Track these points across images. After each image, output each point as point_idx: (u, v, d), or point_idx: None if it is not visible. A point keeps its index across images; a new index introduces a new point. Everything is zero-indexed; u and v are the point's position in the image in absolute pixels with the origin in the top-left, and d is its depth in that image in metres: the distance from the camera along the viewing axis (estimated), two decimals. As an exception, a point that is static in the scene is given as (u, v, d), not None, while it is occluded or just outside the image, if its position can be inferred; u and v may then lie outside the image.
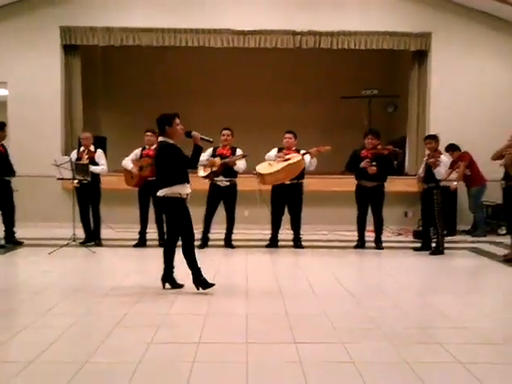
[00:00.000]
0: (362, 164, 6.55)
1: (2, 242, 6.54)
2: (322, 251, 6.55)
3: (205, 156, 6.20)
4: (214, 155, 6.51)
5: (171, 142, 4.33)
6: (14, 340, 3.15)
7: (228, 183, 6.54)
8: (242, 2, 8.38)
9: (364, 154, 6.65)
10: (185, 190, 4.31)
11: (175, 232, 4.40)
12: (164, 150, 4.33)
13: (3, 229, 6.62)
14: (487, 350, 3.08)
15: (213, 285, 4.30)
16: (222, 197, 6.57)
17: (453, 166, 7.78)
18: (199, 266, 4.30)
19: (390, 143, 8.74)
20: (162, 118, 4.36)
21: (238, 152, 6.52)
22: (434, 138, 6.40)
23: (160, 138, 4.40)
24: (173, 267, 4.42)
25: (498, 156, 6.22)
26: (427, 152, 6.53)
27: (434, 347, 3.10)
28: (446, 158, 6.31)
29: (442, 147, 6.72)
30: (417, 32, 8.39)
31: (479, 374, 2.68)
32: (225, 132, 6.60)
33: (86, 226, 6.76)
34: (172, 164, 4.27)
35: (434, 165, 6.16)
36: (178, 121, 4.38)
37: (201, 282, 4.29)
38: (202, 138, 4.49)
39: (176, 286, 4.41)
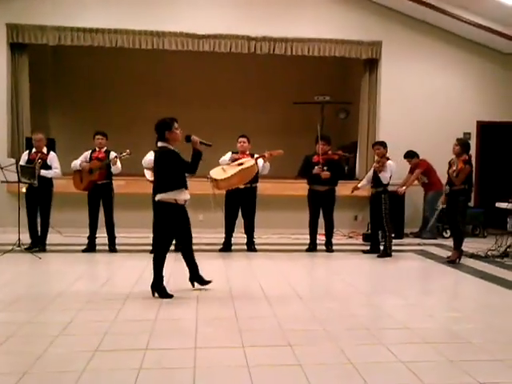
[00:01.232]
0: (315, 171, 6.67)
1: None
2: (274, 254, 6.61)
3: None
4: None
5: (171, 147, 4.29)
6: (-51, 351, 3.00)
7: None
8: (198, 5, 8.36)
9: (316, 160, 6.78)
10: (181, 195, 4.29)
11: (167, 237, 4.38)
12: (163, 156, 4.30)
13: None
14: (428, 349, 3.20)
15: (171, 296, 4.27)
16: None
17: (411, 173, 8.07)
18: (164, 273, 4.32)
19: (342, 148, 8.95)
20: (161, 123, 4.30)
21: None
22: (382, 144, 6.62)
23: (159, 144, 4.33)
24: (196, 266, 4.51)
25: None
26: (376, 158, 6.74)
27: (377, 348, 3.19)
28: (392, 163, 6.52)
29: (398, 154, 6.94)
30: (368, 40, 8.64)
31: (420, 372, 2.78)
32: (241, 139, 6.65)
33: (33, 232, 6.52)
34: (170, 170, 4.27)
35: (379, 170, 6.37)
36: (176, 125, 4.33)
37: (159, 290, 4.29)
38: (201, 143, 4.40)
39: (204, 282, 4.53)
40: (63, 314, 3.73)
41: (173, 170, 4.28)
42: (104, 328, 3.41)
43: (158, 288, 4.30)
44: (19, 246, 6.12)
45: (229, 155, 6.65)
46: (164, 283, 4.35)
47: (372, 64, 8.86)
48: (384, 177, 6.43)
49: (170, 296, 4.27)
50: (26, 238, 6.37)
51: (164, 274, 4.34)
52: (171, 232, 4.39)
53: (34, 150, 6.55)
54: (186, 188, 4.35)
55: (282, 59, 9.02)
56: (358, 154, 8.95)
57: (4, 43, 8.03)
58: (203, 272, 4.62)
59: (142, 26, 8.21)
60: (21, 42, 8.12)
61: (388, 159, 6.49)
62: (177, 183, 4.29)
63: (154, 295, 4.31)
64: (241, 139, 6.72)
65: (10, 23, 8.00)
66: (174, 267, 4.81)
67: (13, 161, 6.13)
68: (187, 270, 4.56)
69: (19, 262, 5.80)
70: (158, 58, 9.37)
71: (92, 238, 6.53)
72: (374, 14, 8.69)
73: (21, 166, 6.10)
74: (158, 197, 4.28)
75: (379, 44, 8.67)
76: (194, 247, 4.56)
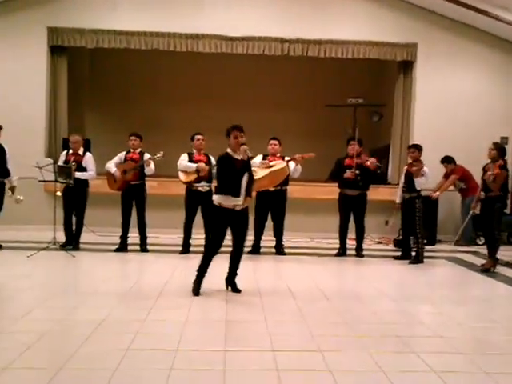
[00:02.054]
0: (347, 174, 6.60)
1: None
2: (303, 258, 6.58)
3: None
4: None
5: (229, 153, 4.45)
6: (-12, 345, 3.11)
7: (208, 188, 6.49)
8: (232, 8, 8.44)
9: (347, 163, 6.71)
10: (227, 201, 4.40)
11: (213, 237, 4.56)
12: (218, 159, 4.56)
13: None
14: (462, 359, 3.12)
15: (196, 293, 4.42)
16: (201, 202, 6.52)
17: (446, 178, 7.91)
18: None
19: (375, 151, 8.86)
20: (227, 129, 4.51)
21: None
22: (417, 148, 6.49)
23: None
24: (236, 271, 4.63)
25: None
26: (409, 161, 6.62)
27: (409, 356, 3.14)
28: (426, 169, 6.38)
29: (432, 158, 6.79)
30: (403, 42, 8.51)
31: (453, 383, 2.72)
32: (272, 142, 6.68)
33: (68, 230, 6.68)
34: (219, 174, 4.52)
35: (417, 174, 6.21)
36: (235, 133, 4.43)
37: (195, 286, 4.46)
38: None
39: (236, 289, 4.61)
40: (96, 311, 3.81)
41: (220, 175, 4.51)
42: (135, 327, 3.47)
43: (195, 283, 4.47)
44: (54, 243, 6.29)
45: (259, 158, 6.65)
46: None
47: (407, 66, 8.73)
48: (420, 182, 6.29)
49: (196, 292, 4.42)
50: (61, 236, 6.55)
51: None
52: (215, 233, 4.51)
53: (70, 151, 6.72)
54: (235, 195, 4.38)
55: (315, 61, 8.98)
56: (390, 158, 8.81)
57: (45, 46, 8.29)
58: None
59: (176, 29, 8.33)
60: (60, 45, 8.36)
61: (422, 163, 6.34)
62: (223, 189, 4.43)
63: (227, 288, 4.58)
64: (272, 141, 6.72)
65: (51, 27, 8.25)
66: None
67: (50, 161, 6.30)
68: (215, 270, 4.60)
69: (54, 259, 5.95)
70: (192, 59, 9.49)
71: (124, 237, 6.64)
72: (409, 16, 8.56)
73: (58, 166, 6.27)
74: (213, 197, 4.53)
75: (414, 46, 8.54)
76: (223, 248, 4.60)
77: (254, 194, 6.60)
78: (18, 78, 8.24)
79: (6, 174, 6.57)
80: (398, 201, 6.71)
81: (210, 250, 4.54)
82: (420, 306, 4.43)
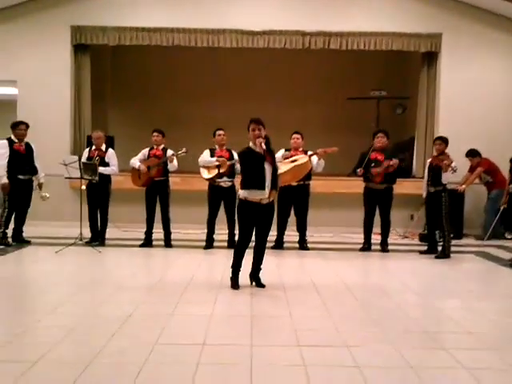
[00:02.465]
0: (373, 171, 6.48)
1: (9, 240, 6.58)
2: (327, 253, 6.54)
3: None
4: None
5: (250, 145, 4.47)
6: (19, 339, 3.17)
7: (230, 184, 6.54)
8: (252, 2, 8.41)
9: (373, 157, 6.62)
10: (252, 195, 4.41)
11: (240, 231, 4.59)
12: (239, 153, 4.63)
13: (12, 227, 6.66)
14: (492, 355, 3.06)
15: (235, 287, 4.50)
16: (223, 198, 6.56)
17: (472, 171, 7.76)
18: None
19: (398, 145, 8.73)
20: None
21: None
22: (444, 140, 6.36)
23: None
24: (260, 265, 4.64)
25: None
26: (434, 153, 6.49)
27: (438, 352, 3.09)
28: (455, 164, 6.23)
29: (457, 151, 6.64)
30: (427, 33, 8.34)
31: (485, 380, 2.67)
32: (294, 136, 6.62)
33: (93, 226, 6.78)
34: (242, 168, 4.61)
35: (446, 168, 6.08)
36: (253, 126, 4.44)
37: (232, 282, 4.54)
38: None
39: (260, 284, 4.61)
40: (123, 306, 3.85)
41: (243, 169, 4.57)
42: (162, 322, 3.50)
43: (232, 277, 4.56)
44: (81, 239, 6.39)
45: (281, 152, 6.62)
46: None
47: (431, 57, 8.56)
48: (448, 176, 6.15)
49: (235, 287, 4.48)
50: (87, 232, 6.65)
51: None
52: (243, 228, 4.54)
53: (93, 147, 6.81)
54: (260, 188, 4.38)
55: (337, 54, 8.88)
56: (415, 151, 8.67)
57: (68, 45, 8.39)
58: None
59: (197, 25, 8.33)
60: (83, 43, 8.45)
61: (449, 157, 6.20)
62: (247, 182, 4.44)
63: (251, 283, 4.60)
64: (294, 135, 6.68)
65: (74, 25, 8.35)
66: (227, 264, 4.83)
67: (75, 158, 6.39)
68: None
69: (81, 254, 6.05)
70: (212, 55, 9.50)
71: (149, 233, 6.71)
72: (433, 5, 8.38)
73: (83, 162, 6.35)
74: (239, 192, 4.58)
75: (439, 36, 8.36)
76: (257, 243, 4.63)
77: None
78: (43, 77, 8.37)
79: (34, 171, 6.71)
80: (424, 194, 6.60)
81: (240, 246, 4.57)
82: (448, 301, 4.35)
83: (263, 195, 4.41)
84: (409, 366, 2.84)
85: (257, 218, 4.50)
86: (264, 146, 4.39)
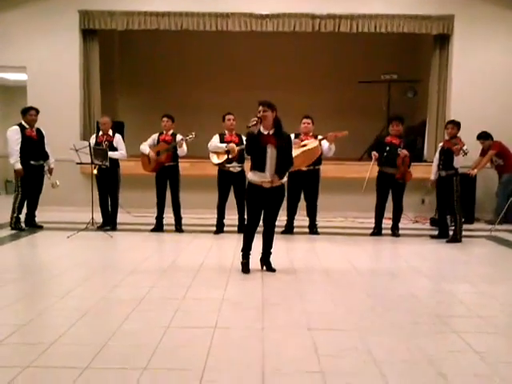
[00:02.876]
0: (403, 153, 6.41)
1: (22, 225, 6.66)
2: (337, 238, 6.54)
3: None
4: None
5: (260, 129, 4.45)
6: (34, 322, 3.22)
7: (240, 169, 6.54)
8: (261, -15, 8.28)
9: (388, 141, 6.57)
10: (254, 177, 4.46)
11: (248, 213, 4.62)
12: (246, 135, 4.69)
13: (25, 212, 6.73)
14: (503, 339, 3.07)
15: (246, 271, 4.56)
16: (233, 183, 6.57)
17: (483, 155, 7.68)
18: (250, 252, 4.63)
19: (409, 128, 8.65)
20: None
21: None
22: (456, 124, 6.29)
23: None
24: (269, 250, 4.66)
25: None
26: (446, 137, 6.43)
27: (449, 336, 3.10)
28: (466, 147, 6.16)
29: (470, 135, 6.56)
30: (439, 15, 8.19)
31: (496, 364, 2.67)
32: (305, 120, 6.56)
33: (104, 211, 6.83)
34: (245, 149, 4.68)
35: (458, 152, 6.00)
36: (259, 108, 4.43)
37: (243, 266, 4.59)
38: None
39: (271, 268, 4.63)
40: (135, 290, 3.90)
41: (246, 150, 4.66)
42: (175, 305, 3.53)
43: (242, 260, 4.61)
44: (92, 224, 6.45)
45: (291, 137, 6.58)
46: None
47: (443, 40, 8.41)
48: (460, 160, 6.09)
49: (245, 271, 4.54)
50: (98, 217, 6.70)
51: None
52: (249, 210, 4.60)
53: (100, 132, 6.82)
54: (260, 170, 4.41)
55: (347, 37, 8.75)
56: (426, 135, 8.59)
57: (77, 30, 8.36)
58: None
59: (205, 9, 8.25)
60: (91, 28, 8.41)
61: (461, 141, 6.13)
62: (252, 164, 4.51)
63: (262, 268, 4.62)
64: (304, 120, 6.63)
65: (82, 10, 8.30)
66: (238, 248, 4.85)
67: (86, 143, 6.41)
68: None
69: (93, 239, 6.11)
70: (221, 39, 9.42)
71: (160, 218, 6.74)
72: (445, -14, 8.21)
73: (94, 148, 6.37)
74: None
75: (451, 18, 8.20)
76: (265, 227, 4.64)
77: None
78: (52, 63, 8.36)
79: (46, 156, 6.75)
80: (432, 177, 6.56)
81: (248, 228, 4.61)
82: (459, 285, 4.34)
83: (264, 178, 4.41)
84: (420, 349, 2.85)
85: (263, 201, 4.49)
86: (259, 126, 4.39)
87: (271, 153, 4.39)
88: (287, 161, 4.50)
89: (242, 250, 4.62)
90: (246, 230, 4.65)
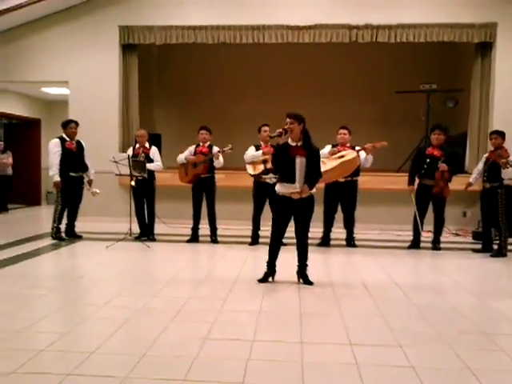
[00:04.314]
0: (442, 167, 6.24)
1: (63, 235, 6.81)
2: (375, 251, 6.39)
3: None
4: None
5: (288, 140, 4.48)
6: (75, 330, 3.26)
7: (275, 180, 6.48)
8: (297, -4, 8.30)
9: (429, 152, 6.40)
10: (281, 189, 4.46)
11: (273, 224, 4.60)
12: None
13: (65, 222, 6.89)
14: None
15: (262, 281, 4.54)
16: (269, 194, 6.52)
17: None
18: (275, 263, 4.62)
19: (450, 139, 8.41)
20: None
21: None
22: (500, 134, 6.08)
23: None
24: (304, 262, 4.58)
25: None
26: (490, 148, 6.22)
27: (497, 354, 2.95)
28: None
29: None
30: (480, 22, 7.98)
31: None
32: (341, 131, 6.49)
33: (141, 222, 6.92)
34: (273, 161, 4.72)
35: (504, 165, 5.79)
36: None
37: (263, 276, 4.59)
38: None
39: (307, 281, 4.56)
40: (173, 301, 3.90)
41: (273, 163, 4.67)
42: (212, 317, 3.51)
43: (265, 271, 4.61)
44: (130, 235, 6.54)
45: (328, 148, 6.51)
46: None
47: (485, 48, 8.17)
48: (508, 172, 5.85)
49: (260, 280, 4.53)
50: (136, 228, 6.79)
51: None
52: (275, 221, 4.57)
53: (137, 145, 6.94)
54: (290, 182, 4.38)
55: (385, 47, 8.65)
56: (468, 146, 8.34)
57: (117, 45, 8.57)
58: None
59: (242, 21, 8.31)
60: (131, 43, 8.62)
61: (508, 153, 5.90)
62: (280, 176, 4.52)
63: (299, 281, 4.56)
64: (341, 131, 6.55)
65: (122, 25, 8.52)
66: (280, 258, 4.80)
67: (125, 155, 6.53)
68: (285, 262, 4.63)
69: (131, 249, 6.18)
70: (257, 51, 9.47)
71: (195, 229, 6.77)
72: (486, -7, 8.01)
73: (132, 160, 6.48)
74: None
75: (494, 26, 7.97)
76: (288, 240, 4.57)
77: (322, 185, 6.52)
78: (92, 77, 8.60)
79: (85, 168, 6.91)
80: (471, 180, 6.42)
81: (272, 240, 4.59)
82: (505, 301, 4.15)
83: (293, 189, 4.37)
84: (466, 368, 2.72)
85: (291, 213, 4.47)
86: (284, 138, 4.43)
87: (300, 164, 4.38)
88: (316, 173, 4.47)
89: (267, 262, 4.61)
90: (271, 242, 4.61)
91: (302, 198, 4.40)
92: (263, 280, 4.55)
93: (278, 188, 4.49)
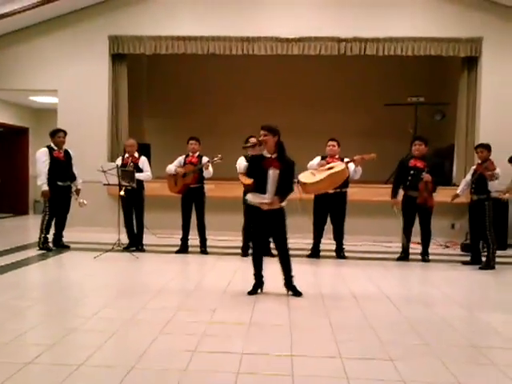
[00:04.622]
0: (426, 178, 6.26)
1: (50, 245, 6.72)
2: (365, 262, 6.40)
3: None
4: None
5: (263, 152, 4.50)
6: (63, 342, 3.20)
7: None
8: (287, 9, 8.37)
9: (412, 164, 6.46)
10: (253, 198, 4.45)
11: (253, 236, 4.67)
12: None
13: (52, 232, 6.81)
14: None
15: (251, 293, 4.51)
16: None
17: None
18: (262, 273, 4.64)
19: (437, 151, 8.51)
20: None
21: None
22: (486, 147, 6.16)
23: None
24: (288, 273, 4.54)
25: None
26: (477, 161, 6.29)
27: (488, 368, 2.95)
28: (499, 170, 6.02)
29: (500, 158, 6.42)
30: (466, 37, 8.13)
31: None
32: (330, 143, 6.54)
33: (130, 232, 6.86)
34: (247, 172, 4.72)
35: (491, 177, 5.87)
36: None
37: (252, 288, 4.57)
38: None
39: (296, 292, 4.54)
40: (161, 312, 3.86)
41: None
42: (201, 329, 3.47)
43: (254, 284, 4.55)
44: (119, 245, 6.47)
45: (317, 159, 6.53)
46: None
47: (471, 62, 8.32)
48: (494, 184, 5.94)
49: (249, 292, 4.50)
50: (124, 238, 6.72)
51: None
52: (253, 232, 4.62)
53: (126, 155, 6.91)
54: (260, 192, 4.40)
55: (373, 60, 8.75)
56: (455, 158, 8.43)
57: (106, 54, 8.56)
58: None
59: (232, 33, 8.36)
60: (120, 53, 8.61)
61: (493, 165, 5.97)
62: (254, 187, 4.53)
63: (288, 292, 4.52)
64: (330, 142, 6.59)
65: (112, 35, 8.51)
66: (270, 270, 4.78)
67: (113, 165, 6.48)
68: (275, 274, 4.59)
69: (119, 260, 6.12)
70: (247, 63, 9.52)
71: (185, 239, 6.74)
72: (473, 8, 8.15)
73: (121, 169, 6.44)
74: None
75: (479, 40, 8.12)
76: (292, 252, 4.58)
77: (311, 196, 6.53)
78: (82, 86, 8.57)
79: (73, 177, 6.85)
80: (458, 191, 6.48)
81: (253, 251, 4.63)
82: (493, 314, 4.16)
83: (263, 199, 4.38)
84: (457, 383, 2.71)
85: (263, 225, 4.47)
86: (258, 149, 4.49)
87: (273, 176, 4.38)
88: (288, 185, 4.47)
89: (254, 274, 4.61)
90: (253, 253, 4.65)
91: (272, 209, 4.40)
92: (252, 292, 4.54)
93: (249, 197, 4.49)
